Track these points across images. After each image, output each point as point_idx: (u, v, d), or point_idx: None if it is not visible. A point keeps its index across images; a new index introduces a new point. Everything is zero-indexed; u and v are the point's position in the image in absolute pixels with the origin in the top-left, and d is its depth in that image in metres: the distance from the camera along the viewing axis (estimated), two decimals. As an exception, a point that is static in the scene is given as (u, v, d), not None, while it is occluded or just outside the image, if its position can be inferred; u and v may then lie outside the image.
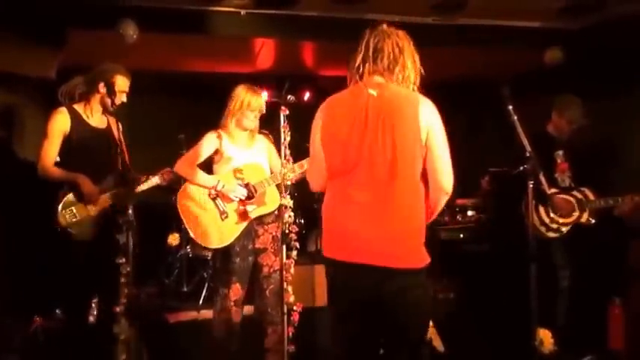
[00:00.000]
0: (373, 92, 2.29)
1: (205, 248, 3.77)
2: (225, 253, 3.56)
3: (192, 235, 3.57)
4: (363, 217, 2.23)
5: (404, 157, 2.21)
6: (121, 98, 3.48)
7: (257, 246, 3.63)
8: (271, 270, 3.62)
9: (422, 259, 2.30)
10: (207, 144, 3.61)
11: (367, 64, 2.33)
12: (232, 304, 3.54)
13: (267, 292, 3.61)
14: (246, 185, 3.60)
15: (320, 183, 2.45)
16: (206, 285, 5.18)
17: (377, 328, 2.29)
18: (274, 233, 3.64)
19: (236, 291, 3.55)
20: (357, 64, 2.35)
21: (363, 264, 2.21)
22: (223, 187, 3.56)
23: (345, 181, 2.28)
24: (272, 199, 3.61)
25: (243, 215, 3.59)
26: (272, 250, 3.64)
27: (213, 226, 3.55)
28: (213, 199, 3.59)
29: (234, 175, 3.62)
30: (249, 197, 3.59)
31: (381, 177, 2.22)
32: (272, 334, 3.60)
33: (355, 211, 2.25)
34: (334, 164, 2.33)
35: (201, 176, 3.59)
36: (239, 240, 3.56)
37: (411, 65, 2.33)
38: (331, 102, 2.40)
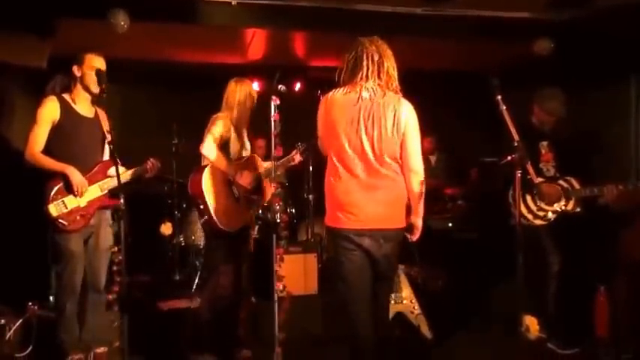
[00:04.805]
0: (366, 95, 2.82)
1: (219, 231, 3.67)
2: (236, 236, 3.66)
3: (212, 211, 3.52)
4: (364, 196, 2.82)
5: (388, 147, 2.82)
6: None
7: None
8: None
9: (404, 220, 2.92)
10: (224, 131, 3.61)
11: (360, 72, 2.84)
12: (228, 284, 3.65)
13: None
14: (258, 175, 3.75)
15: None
16: (198, 274, 5.21)
17: (373, 272, 2.92)
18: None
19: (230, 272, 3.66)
20: (350, 73, 2.87)
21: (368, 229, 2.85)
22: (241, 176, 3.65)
23: (348, 167, 2.83)
24: (268, 189, 3.81)
25: (251, 203, 3.73)
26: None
27: (231, 208, 3.62)
28: (230, 185, 3.65)
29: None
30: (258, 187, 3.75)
31: (373, 163, 2.82)
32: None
33: (358, 191, 2.82)
34: (334, 149, 2.86)
35: (225, 161, 3.62)
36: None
37: (392, 70, 2.87)
38: (332, 97, 2.88)
